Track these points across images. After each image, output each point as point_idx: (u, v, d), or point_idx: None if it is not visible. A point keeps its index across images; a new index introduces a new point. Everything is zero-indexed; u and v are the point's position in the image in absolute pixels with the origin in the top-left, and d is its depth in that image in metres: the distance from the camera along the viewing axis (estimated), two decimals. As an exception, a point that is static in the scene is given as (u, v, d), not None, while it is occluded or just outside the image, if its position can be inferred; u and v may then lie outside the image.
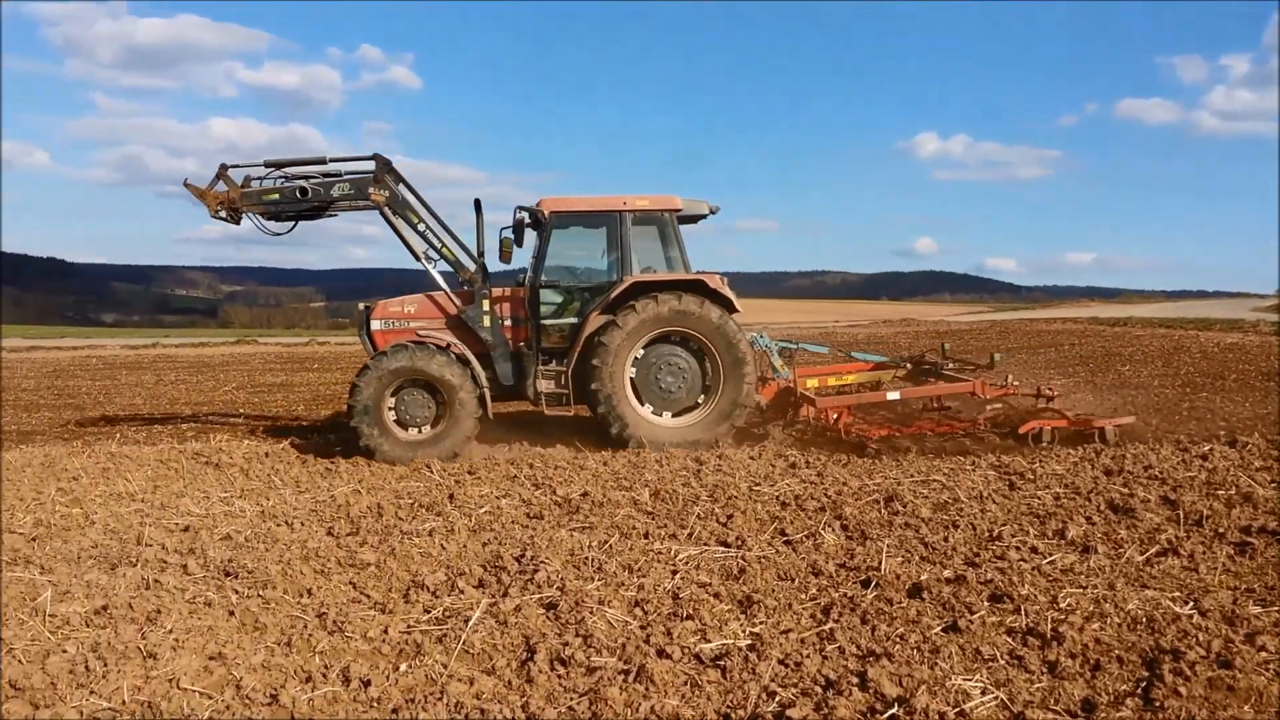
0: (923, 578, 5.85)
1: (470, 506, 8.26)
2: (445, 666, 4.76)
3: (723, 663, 4.69)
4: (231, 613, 5.63)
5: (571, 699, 4.38)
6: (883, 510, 7.67)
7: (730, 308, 11.39)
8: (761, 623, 5.22)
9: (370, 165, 11.60)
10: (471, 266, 11.77)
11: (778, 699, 4.30)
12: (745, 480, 8.89)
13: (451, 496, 8.66)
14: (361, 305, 12.51)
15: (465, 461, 10.82)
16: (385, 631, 5.29)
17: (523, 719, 4.20)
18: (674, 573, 6.11)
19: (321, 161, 11.80)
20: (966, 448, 10.45)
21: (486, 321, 11.70)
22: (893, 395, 11.62)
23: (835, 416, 11.18)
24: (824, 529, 7.09)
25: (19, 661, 4.96)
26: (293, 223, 12.19)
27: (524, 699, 4.38)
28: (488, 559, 6.68)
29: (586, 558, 6.49)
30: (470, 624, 5.25)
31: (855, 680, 4.43)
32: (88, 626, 5.50)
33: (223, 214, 11.75)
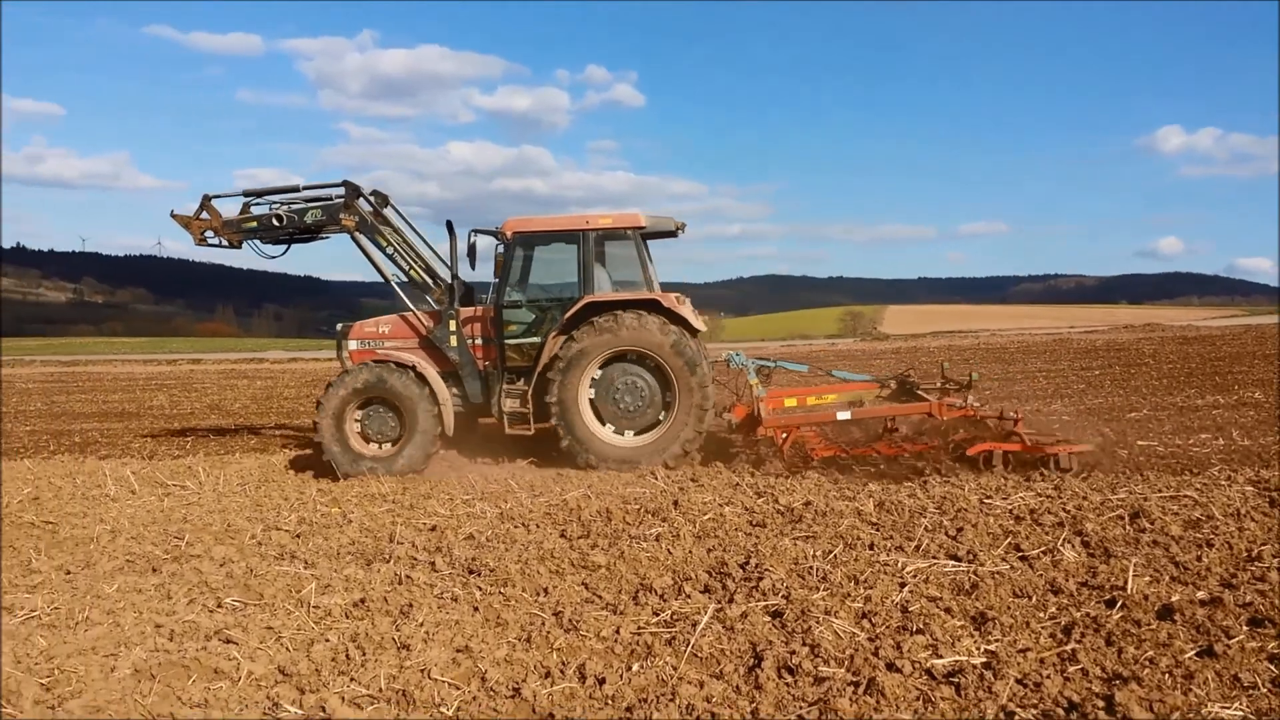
0: (1174, 599, 5.50)
1: (694, 513, 8.37)
2: (675, 669, 4.87)
3: (956, 679, 4.58)
4: (476, 608, 5.96)
5: (800, 708, 4.39)
6: (1128, 526, 7.25)
7: (688, 327, 11.31)
8: (997, 640, 5.06)
9: (341, 191, 12.08)
10: (438, 288, 12.15)
11: (1017, 719, 4.17)
12: (975, 493, 8.61)
13: (676, 503, 8.81)
14: (340, 325, 12.80)
15: (689, 469, 10.97)
16: (617, 632, 5.46)
17: (752, 723, 4.25)
18: (902, 585, 6.01)
19: (295, 190, 12.35)
20: (917, 470, 10.03)
21: (454, 341, 11.94)
22: (842, 415, 11.11)
23: (784, 436, 10.96)
24: (1063, 545, 6.77)
25: (286, 649, 5.43)
26: (285, 246, 12.72)
27: (753, 705, 4.43)
28: (713, 565, 6.77)
29: (811, 567, 6.47)
30: (698, 628, 5.35)
31: (1101, 704, 4.23)
32: (347, 618, 5.95)
33: (212, 240, 12.44)
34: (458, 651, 5.20)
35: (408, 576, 6.74)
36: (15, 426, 18.62)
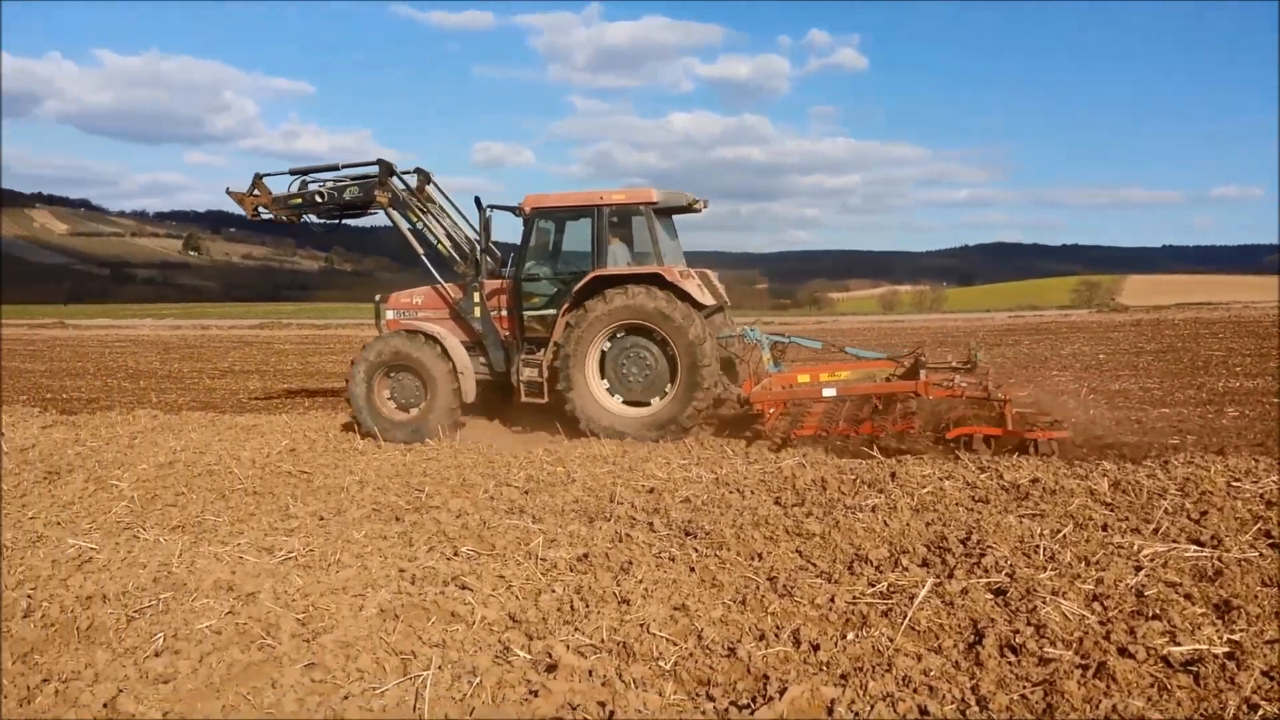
0: None
1: (912, 486, 8.22)
2: (891, 640, 4.84)
3: (1195, 669, 4.33)
4: (692, 569, 6.10)
5: (1024, 687, 4.28)
6: (1400, 518, 6.61)
7: (693, 302, 11.28)
8: (1241, 630, 4.75)
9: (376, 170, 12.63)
10: (463, 262, 12.56)
11: (1261, 713, 3.92)
12: (1222, 475, 8.04)
13: (893, 475, 8.67)
14: (378, 296, 13.29)
15: (906, 442, 10.73)
16: (832, 600, 5.46)
17: (972, 700, 4.18)
18: (1138, 569, 5.71)
19: (335, 168, 13.01)
20: (893, 449, 9.94)
21: (477, 312, 12.37)
22: (829, 392, 10.93)
23: (772, 411, 10.92)
24: (1322, 534, 6.25)
25: (516, 597, 5.74)
26: (337, 221, 13.45)
27: (973, 681, 4.35)
28: (931, 539, 6.64)
29: (1037, 546, 6.24)
30: (916, 601, 5.28)
31: (1360, 704, 3.91)
32: (571, 571, 6.22)
33: (265, 215, 13.34)
34: (675, 609, 5.35)
35: (627, 535, 6.96)
36: (273, 384, 20.27)
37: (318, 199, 13.07)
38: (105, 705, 4.33)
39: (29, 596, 5.84)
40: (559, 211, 12.32)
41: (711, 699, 4.33)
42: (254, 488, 9.07)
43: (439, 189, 13.14)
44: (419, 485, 8.95)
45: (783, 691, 4.20)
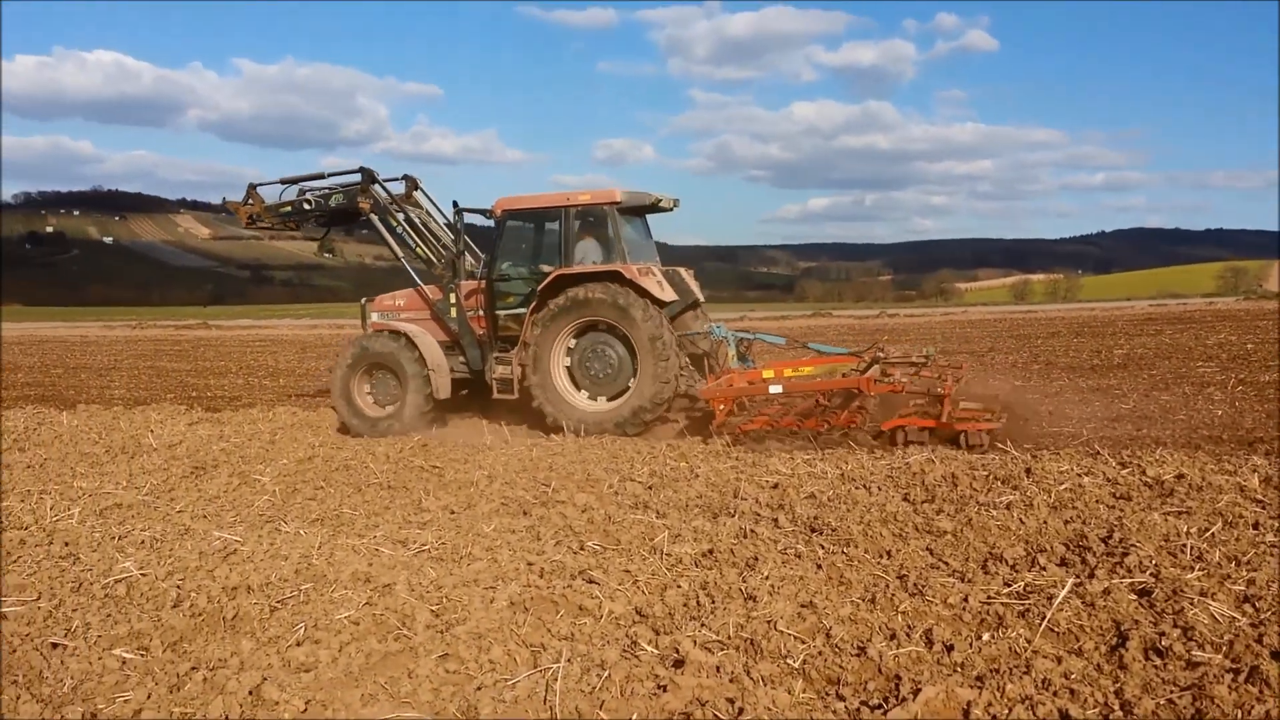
0: None
1: (1049, 482, 7.94)
2: (1029, 642, 4.69)
3: (1359, 676, 4.08)
4: (819, 566, 6.03)
5: (1171, 691, 4.09)
6: None
7: (653, 298, 11.51)
8: None
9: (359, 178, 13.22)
10: (439, 265, 13.04)
11: None
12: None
13: (1029, 471, 8.40)
14: (364, 300, 13.83)
15: (1041, 437, 10.42)
16: (965, 600, 5.32)
17: (1116, 705, 4.01)
18: (1294, 569, 5.41)
19: (321, 176, 13.65)
20: (836, 442, 10.30)
21: (453, 313, 12.76)
22: (775, 389, 11.10)
23: (722, 408, 11.02)
24: None
25: (642, 592, 5.76)
26: (327, 229, 14.15)
27: (1116, 685, 4.18)
28: (1070, 537, 6.41)
29: (1184, 545, 5.96)
30: (1055, 602, 5.10)
31: None
32: (696, 566, 6.21)
33: (262, 224, 14.03)
34: (802, 606, 5.29)
35: (752, 531, 6.92)
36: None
37: (305, 206, 13.66)
38: (250, 693, 4.51)
39: (178, 587, 6.12)
40: (528, 213, 12.75)
41: (842, 698, 4.27)
42: (388, 482, 9.32)
43: (426, 195, 13.85)
44: (545, 480, 9.07)
45: (916, 692, 4.11)
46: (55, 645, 5.29)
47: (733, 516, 7.41)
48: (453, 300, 12.80)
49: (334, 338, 37.81)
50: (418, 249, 13.34)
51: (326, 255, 14.87)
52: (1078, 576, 5.56)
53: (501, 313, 12.62)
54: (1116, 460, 8.79)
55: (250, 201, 14.04)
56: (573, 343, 12.03)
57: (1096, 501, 7.33)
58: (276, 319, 58.09)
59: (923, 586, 5.55)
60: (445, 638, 5.09)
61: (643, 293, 11.55)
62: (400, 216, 13.36)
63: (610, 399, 11.98)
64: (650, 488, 8.71)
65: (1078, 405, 13.00)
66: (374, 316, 13.61)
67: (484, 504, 8.33)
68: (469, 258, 13.17)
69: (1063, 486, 7.73)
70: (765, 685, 4.34)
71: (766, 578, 5.77)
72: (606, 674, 4.49)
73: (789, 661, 4.61)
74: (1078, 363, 19.08)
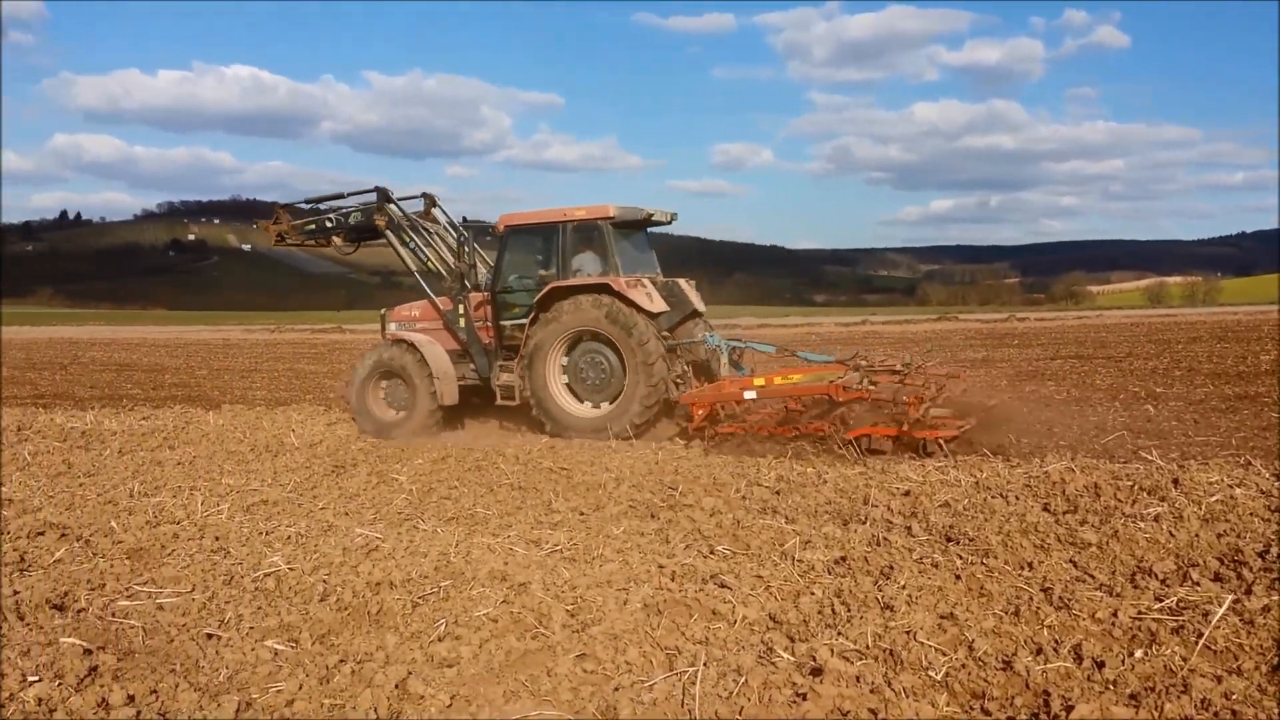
0: None
1: (1199, 494, 7.59)
2: (1185, 660, 4.49)
3: None
4: (957, 576, 5.89)
5: (1345, 717, 3.87)
6: None
7: (641, 309, 11.88)
8: None
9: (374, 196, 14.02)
10: (448, 277, 13.60)
11: None
12: None
13: (1176, 482, 8.05)
14: (383, 310, 14.62)
15: (1190, 446, 9.99)
16: (1114, 615, 5.12)
17: (1284, 729, 3.82)
18: None
19: (341, 196, 14.48)
20: (803, 450, 10.45)
21: (462, 323, 13.38)
22: (749, 394, 11.33)
23: (700, 412, 11.40)
24: None
25: (775, 598, 5.72)
26: (355, 245, 14.72)
27: (1283, 707, 3.98)
28: (1224, 551, 6.12)
29: (1352, 562, 5.64)
30: (1212, 619, 4.87)
31: None
32: (829, 574, 6.14)
33: (291, 241, 14.74)
34: (942, 618, 5.18)
35: (885, 539, 6.81)
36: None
37: (327, 224, 14.43)
38: (397, 686, 4.64)
39: (324, 581, 6.34)
40: (529, 229, 13.17)
41: (988, 713, 4.17)
42: (518, 482, 9.47)
43: (443, 211, 14.50)
44: (672, 484, 9.09)
45: (1069, 709, 3.98)
46: (210, 636, 5.53)
47: (864, 524, 7.31)
48: (461, 311, 13.45)
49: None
50: (428, 263, 14.02)
51: (347, 253, 15.39)
52: (1234, 592, 5.30)
53: (506, 323, 13.15)
54: (1270, 471, 8.37)
55: (278, 221, 14.82)
56: (569, 351, 12.52)
57: (1250, 514, 6.98)
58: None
59: (1069, 600, 5.38)
60: (582, 637, 5.15)
61: (631, 304, 11.94)
62: (413, 232, 14.06)
63: (604, 405, 12.39)
64: (778, 493, 8.65)
65: (1169, 415, 12.56)
66: (392, 326, 14.31)
67: (612, 506, 8.40)
68: (481, 270, 13.81)
69: (1214, 498, 7.38)
70: (907, 697, 4.26)
71: (903, 587, 5.67)
72: (743, 679, 4.48)
73: (931, 674, 4.51)
74: (1222, 369, 18.27)
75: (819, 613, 5.39)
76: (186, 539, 7.58)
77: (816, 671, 4.53)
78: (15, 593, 6.22)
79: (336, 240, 14.62)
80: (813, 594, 5.71)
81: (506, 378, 12.94)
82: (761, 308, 73.91)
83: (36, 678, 4.80)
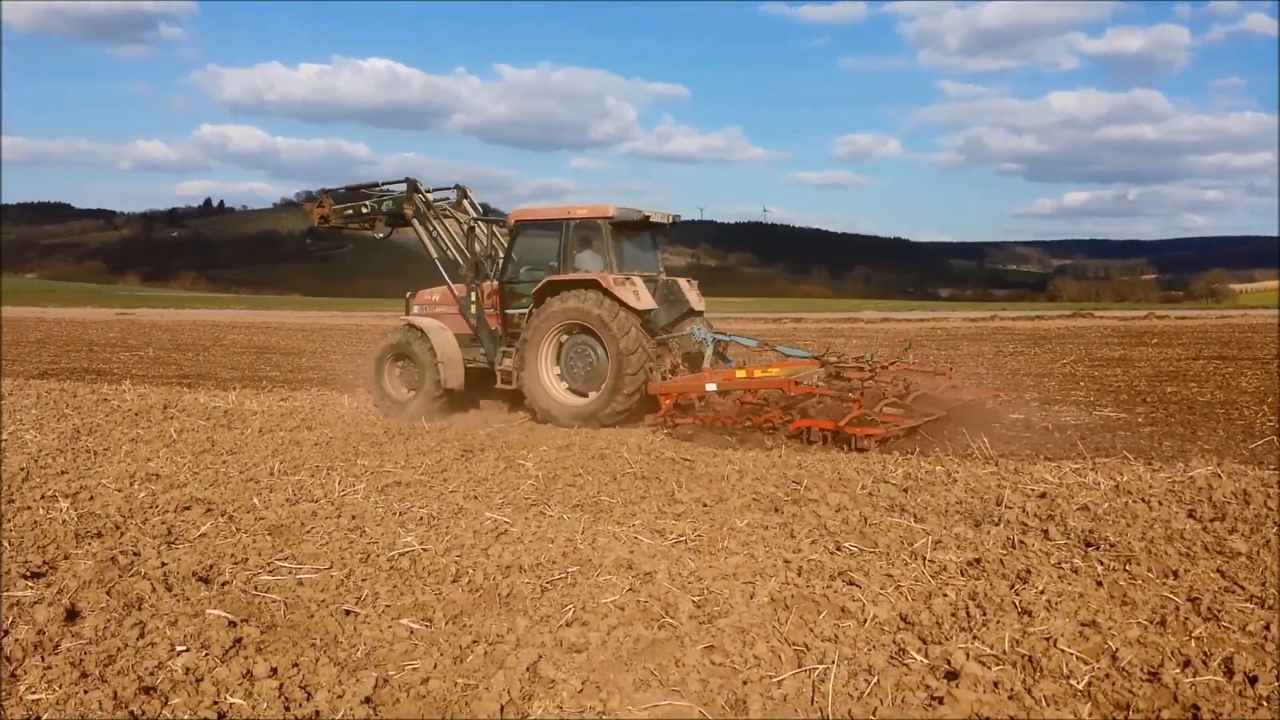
0: None
1: (1362, 505, 7.18)
2: (1350, 680, 4.24)
3: None
4: (1099, 583, 5.68)
5: None
6: None
7: (626, 305, 12.41)
8: None
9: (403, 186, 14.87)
10: (464, 266, 14.24)
11: None
12: None
13: (1336, 491, 7.63)
14: (409, 293, 15.32)
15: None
16: (1267, 628, 4.88)
17: None
18: None
19: (376, 185, 15.41)
20: (758, 441, 10.94)
21: (473, 310, 14.06)
22: (711, 386, 11.91)
23: (667, 401, 12.05)
24: None
25: (906, 598, 5.61)
26: (389, 230, 15.50)
27: None
28: (1392, 568, 5.76)
29: None
30: (1380, 638, 4.59)
31: None
32: (962, 575, 5.99)
33: (331, 223, 15.61)
34: (1083, 625, 5.00)
35: (1020, 541, 6.62)
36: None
37: (363, 210, 15.31)
38: (528, 669, 4.71)
39: (456, 563, 6.49)
40: (536, 224, 13.84)
41: (1133, 725, 4.01)
42: (641, 472, 9.52)
43: (472, 203, 15.22)
44: (796, 478, 9.01)
45: (1222, 726, 3.80)
46: (348, 612, 5.70)
47: (997, 525, 7.12)
48: (473, 298, 14.13)
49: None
50: (448, 251, 14.61)
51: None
52: (1405, 611, 4.99)
53: (511, 311, 13.81)
54: None
55: (322, 205, 15.80)
56: (564, 340, 13.05)
57: None
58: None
59: (1218, 611, 5.14)
60: (709, 629, 5.14)
61: (617, 300, 12.47)
62: (435, 221, 14.72)
63: (590, 394, 12.89)
64: (905, 490, 8.50)
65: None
66: (415, 309, 15.04)
67: (735, 498, 8.36)
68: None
69: (1379, 510, 6.96)
70: (1048, 705, 4.13)
71: (1041, 592, 5.50)
72: (875, 680, 4.41)
73: (1072, 682, 4.36)
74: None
75: (952, 615, 5.27)
76: (324, 517, 7.84)
77: (951, 675, 4.43)
78: (163, 564, 6.53)
79: (376, 224, 15.51)
80: (945, 595, 5.58)
81: (508, 363, 13.58)
82: (884, 302, 72.38)
83: (184, 648, 5.04)
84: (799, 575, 6.01)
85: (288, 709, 4.38)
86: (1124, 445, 10.48)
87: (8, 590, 5.97)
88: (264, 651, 5.05)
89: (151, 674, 4.72)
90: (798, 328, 38.70)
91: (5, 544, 7.10)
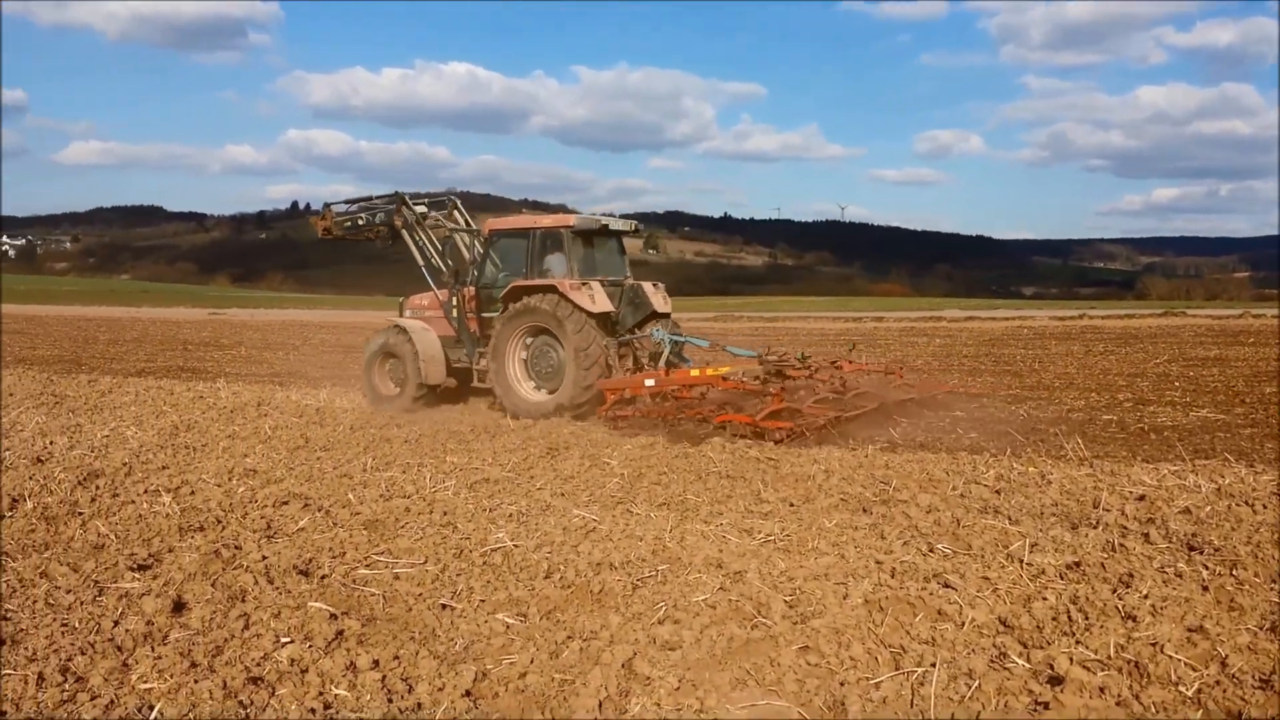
0: None
1: None
2: None
3: None
4: (1204, 588, 5.53)
5: None
6: None
7: (580, 307, 13.10)
8: None
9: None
10: (445, 273, 15.08)
11: None
12: None
13: None
14: (402, 298, 16.27)
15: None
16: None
17: None
18: None
19: (370, 198, 16.36)
20: (689, 433, 11.52)
21: (454, 314, 14.87)
22: (649, 382, 12.65)
23: (612, 397, 12.75)
24: None
25: (1004, 601, 5.52)
26: (392, 240, 16.10)
27: None
28: None
29: None
30: None
31: None
32: (1061, 579, 5.88)
33: (334, 234, 16.43)
34: (1191, 630, 4.87)
35: (1120, 544, 6.46)
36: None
37: (359, 221, 16.26)
38: (623, 666, 4.75)
39: (548, 559, 6.56)
40: (507, 233, 14.70)
41: (1248, 734, 3.89)
42: (726, 471, 9.50)
43: (462, 214, 16.29)
44: (884, 478, 8.92)
45: (1344, 737, 3.67)
46: (444, 606, 5.81)
47: (1095, 528, 6.96)
48: (455, 303, 14.93)
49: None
50: (432, 259, 15.59)
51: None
52: None
53: (486, 315, 14.58)
54: None
55: (324, 217, 16.73)
56: (530, 342, 13.87)
57: None
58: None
59: (1335, 621, 4.96)
60: (804, 630, 5.12)
61: (572, 303, 13.17)
62: (421, 231, 15.75)
63: (551, 391, 13.63)
64: (998, 492, 8.36)
65: None
66: (407, 312, 16.00)
67: (823, 498, 8.30)
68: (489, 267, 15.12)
69: None
70: (1158, 712, 4.03)
71: (1145, 596, 5.37)
72: (976, 684, 4.35)
73: (1181, 689, 4.25)
74: None
75: (1054, 619, 5.17)
76: (417, 513, 7.98)
77: (1055, 680, 4.35)
78: (264, 558, 6.72)
79: (380, 234, 16.37)
80: (1045, 599, 5.48)
81: (484, 363, 14.40)
82: (967, 301, 70.84)
83: (289, 639, 5.18)
84: (892, 577, 5.95)
85: (390, 701, 4.48)
86: (1224, 447, 10.18)
87: (116, 582, 6.20)
88: (365, 644, 5.16)
89: (258, 665, 4.86)
90: (878, 328, 38.18)
91: (113, 536, 7.38)
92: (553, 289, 13.42)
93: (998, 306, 56.12)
